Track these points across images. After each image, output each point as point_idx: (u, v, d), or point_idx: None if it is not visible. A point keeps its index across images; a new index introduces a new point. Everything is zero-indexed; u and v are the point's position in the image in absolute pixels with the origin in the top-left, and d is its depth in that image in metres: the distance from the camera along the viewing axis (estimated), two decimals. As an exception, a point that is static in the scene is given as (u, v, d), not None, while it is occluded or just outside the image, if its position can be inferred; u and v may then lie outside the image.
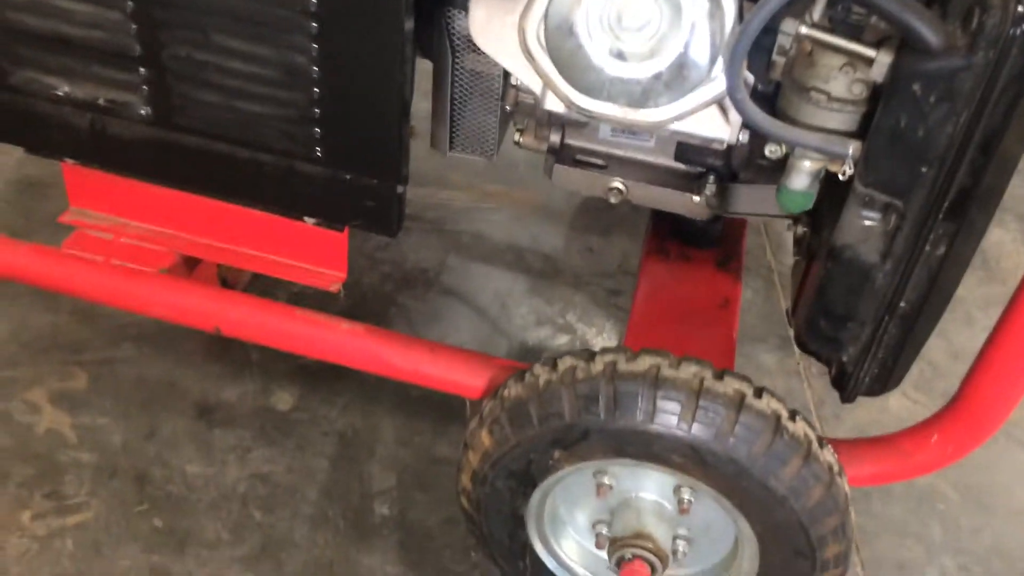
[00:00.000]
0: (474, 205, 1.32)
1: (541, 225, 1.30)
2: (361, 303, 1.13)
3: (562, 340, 1.15)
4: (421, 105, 0.75)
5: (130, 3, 0.68)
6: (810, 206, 0.71)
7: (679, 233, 0.96)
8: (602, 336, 1.16)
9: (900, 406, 1.17)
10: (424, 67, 0.75)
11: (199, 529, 0.87)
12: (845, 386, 0.72)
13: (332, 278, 0.84)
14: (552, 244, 1.27)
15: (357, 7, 0.64)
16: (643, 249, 0.96)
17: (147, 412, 0.97)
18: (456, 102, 0.79)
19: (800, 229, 0.77)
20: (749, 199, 0.79)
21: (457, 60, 0.75)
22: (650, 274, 0.93)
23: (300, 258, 0.84)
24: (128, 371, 1.00)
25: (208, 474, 0.92)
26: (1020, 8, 0.54)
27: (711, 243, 0.96)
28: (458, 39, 0.73)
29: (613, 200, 0.78)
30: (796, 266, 0.79)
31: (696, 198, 0.76)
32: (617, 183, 0.78)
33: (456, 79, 0.77)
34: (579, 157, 0.78)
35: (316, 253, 0.84)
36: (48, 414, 0.95)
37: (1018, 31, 0.53)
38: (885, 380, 0.72)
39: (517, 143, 0.80)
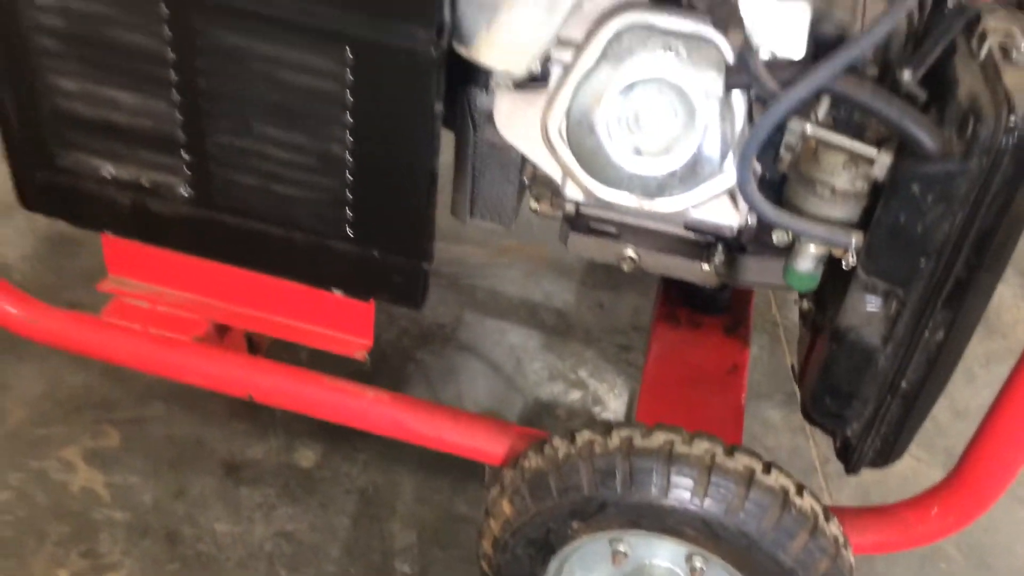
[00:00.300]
0: (489, 261, 1.35)
1: (554, 281, 1.34)
2: (381, 359, 1.16)
3: (575, 396, 1.18)
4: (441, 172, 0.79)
5: (176, 94, 0.72)
6: (815, 286, 0.75)
7: (689, 299, 1.00)
8: (613, 392, 1.19)
9: (904, 464, 1.18)
10: (447, 136, 0.79)
11: (227, 588, 0.91)
12: (849, 459, 0.75)
13: (358, 345, 0.87)
14: (564, 300, 1.31)
15: (390, 101, 0.68)
16: (654, 315, 1.00)
17: (176, 470, 1.00)
18: (476, 172, 0.83)
19: (806, 304, 0.81)
20: (757, 270, 0.82)
21: (478, 133, 0.79)
22: (661, 340, 0.96)
23: (328, 326, 0.88)
24: (157, 429, 1.03)
25: (236, 532, 0.95)
26: (1012, 119, 0.57)
27: (720, 309, 1.00)
28: (479, 115, 0.77)
29: (626, 268, 0.82)
30: (801, 339, 0.83)
31: (705, 267, 0.79)
32: (629, 251, 0.81)
33: (477, 151, 0.81)
34: (593, 225, 0.82)
35: (343, 321, 0.87)
36: (82, 472, 0.98)
37: (1009, 141, 0.57)
38: (888, 454, 0.75)
39: (534, 210, 0.84)
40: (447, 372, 1.17)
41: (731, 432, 0.86)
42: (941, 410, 1.26)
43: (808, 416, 0.77)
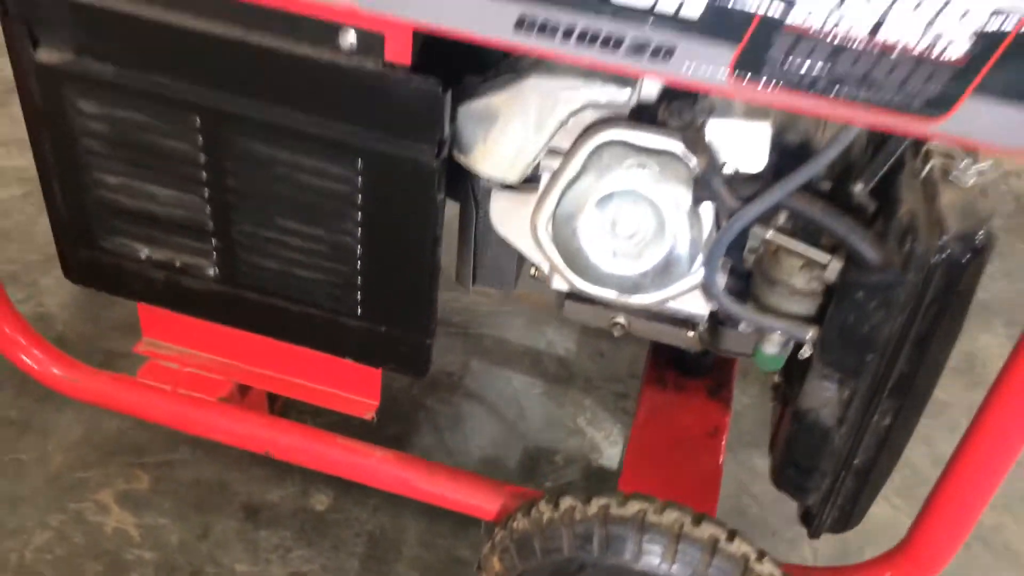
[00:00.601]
0: (496, 309, 1.43)
1: (557, 330, 1.41)
2: (391, 405, 1.24)
3: (573, 443, 1.25)
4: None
5: (207, 190, 0.80)
6: (781, 366, 0.82)
7: (676, 362, 1.07)
8: (609, 440, 1.26)
9: (883, 512, 1.25)
10: (451, 207, 0.86)
11: (245, 625, 0.99)
12: (810, 524, 0.82)
13: (366, 406, 0.95)
14: (566, 348, 1.38)
15: (396, 202, 0.76)
16: (643, 377, 1.07)
17: (201, 512, 1.08)
18: (479, 244, 0.90)
19: (777, 378, 0.88)
20: (735, 341, 0.89)
21: (480, 210, 0.86)
22: (648, 402, 1.03)
23: (339, 387, 0.96)
24: (184, 473, 1.12)
25: (254, 573, 1.03)
26: (944, 239, 0.64)
27: (704, 372, 1.06)
28: (481, 194, 0.84)
29: (616, 333, 0.88)
30: (774, 410, 0.90)
31: (690, 334, 0.86)
32: (620, 318, 0.88)
33: (479, 225, 0.89)
34: (585, 296, 0.89)
35: (353, 384, 0.95)
36: (115, 514, 1.07)
37: (940, 258, 0.64)
38: (845, 522, 0.81)
39: (533, 276, 0.91)
40: (454, 419, 1.25)
41: (708, 493, 0.93)
42: (922, 459, 1.32)
43: (775, 483, 0.84)
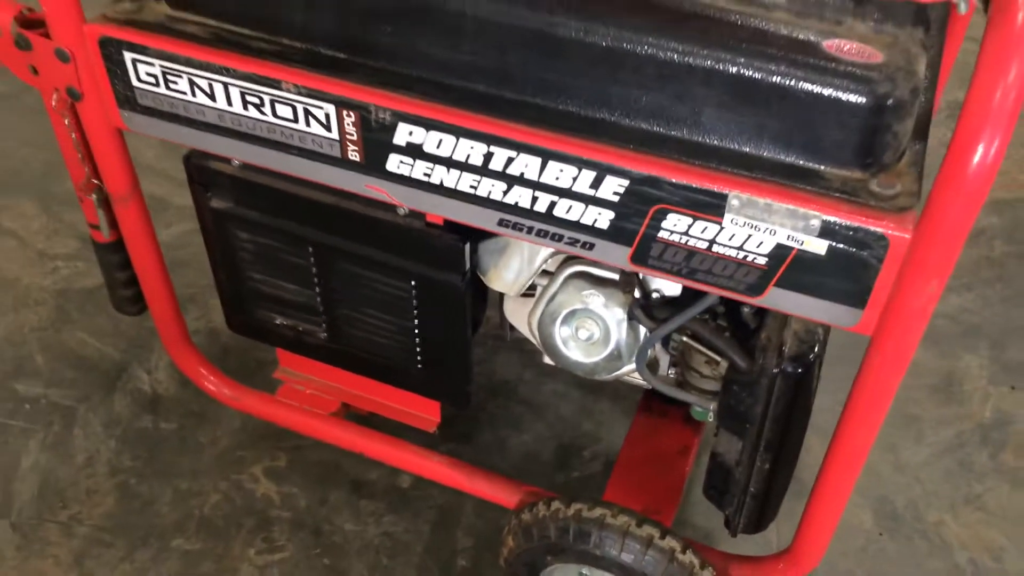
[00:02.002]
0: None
1: (597, 345, 1.74)
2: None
3: (597, 442, 1.59)
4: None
5: (317, 288, 1.18)
6: (710, 418, 1.13)
7: (660, 394, 1.39)
8: (620, 441, 1.59)
9: (848, 512, 1.53)
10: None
11: (350, 568, 1.39)
12: (730, 527, 1.14)
13: (430, 422, 1.32)
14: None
15: (438, 305, 1.11)
16: (639, 403, 1.40)
17: (321, 484, 1.49)
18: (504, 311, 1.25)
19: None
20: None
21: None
22: (637, 424, 1.36)
23: (412, 408, 1.33)
24: (310, 455, 1.53)
25: (357, 531, 1.43)
26: (785, 352, 0.94)
27: (682, 402, 1.38)
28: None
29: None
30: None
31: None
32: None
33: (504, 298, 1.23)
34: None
35: (422, 407, 1.32)
36: (263, 483, 1.49)
37: (777, 370, 0.94)
38: (754, 527, 1.12)
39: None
40: (507, 420, 1.61)
41: (668, 499, 1.26)
42: (885, 465, 1.59)
43: (705, 496, 1.16)
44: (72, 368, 1.64)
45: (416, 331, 1.15)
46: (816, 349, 0.94)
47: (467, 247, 1.04)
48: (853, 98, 0.76)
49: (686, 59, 0.80)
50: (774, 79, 0.78)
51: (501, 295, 1.19)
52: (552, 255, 1.05)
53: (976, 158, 0.68)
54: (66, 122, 1.05)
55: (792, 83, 0.78)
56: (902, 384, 1.71)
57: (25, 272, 1.81)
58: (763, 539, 1.45)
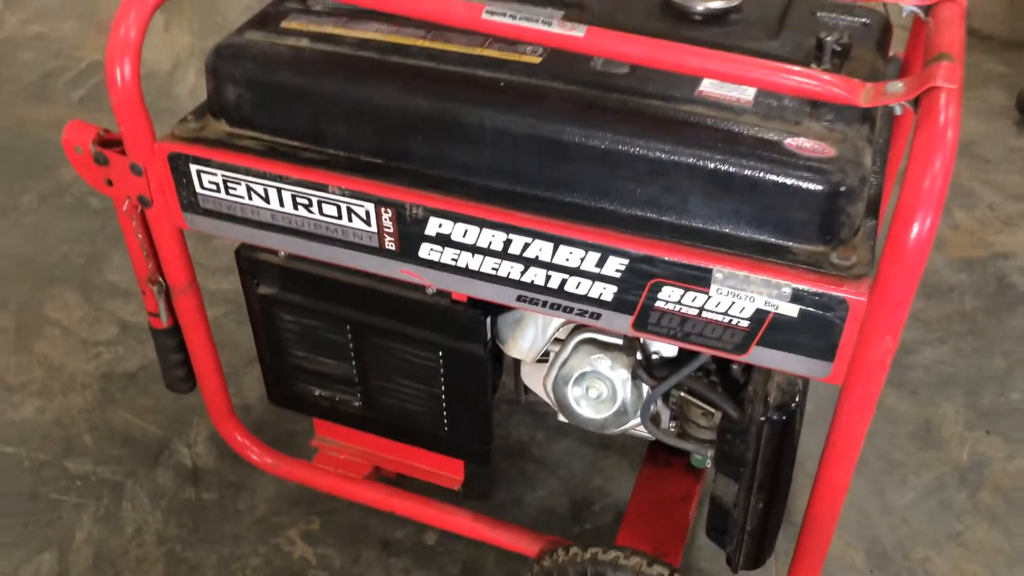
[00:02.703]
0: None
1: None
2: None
3: (607, 496, 1.70)
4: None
5: (353, 362, 1.31)
6: (708, 465, 1.25)
7: (665, 445, 1.51)
8: (628, 493, 1.70)
9: (836, 547, 1.64)
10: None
11: (383, 620, 1.49)
12: (731, 564, 1.25)
13: (455, 481, 1.44)
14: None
15: (463, 372, 1.24)
16: (644, 455, 1.52)
17: (353, 544, 1.59)
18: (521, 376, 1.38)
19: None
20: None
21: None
22: (644, 473, 1.48)
23: (438, 469, 1.45)
24: (341, 518, 1.63)
25: (388, 586, 1.53)
26: (770, 402, 1.07)
27: (684, 452, 1.50)
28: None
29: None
30: (714, 488, 1.33)
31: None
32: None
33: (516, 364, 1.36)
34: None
35: (447, 467, 1.44)
36: (299, 546, 1.59)
37: (764, 418, 1.07)
38: (753, 563, 1.23)
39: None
40: (522, 479, 1.72)
41: (674, 541, 1.37)
42: (873, 507, 1.70)
43: (707, 535, 1.28)
44: (118, 445, 1.75)
45: (442, 397, 1.28)
46: (797, 399, 1.07)
47: (488, 320, 1.17)
48: (812, 186, 0.91)
49: (672, 157, 0.95)
50: (746, 172, 0.93)
51: (515, 362, 1.33)
52: (563, 324, 1.18)
53: (913, 234, 0.83)
54: (134, 225, 1.20)
55: (761, 175, 0.93)
56: (886, 431, 1.84)
57: (70, 358, 1.93)
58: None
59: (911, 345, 1.99)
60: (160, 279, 1.27)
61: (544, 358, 1.24)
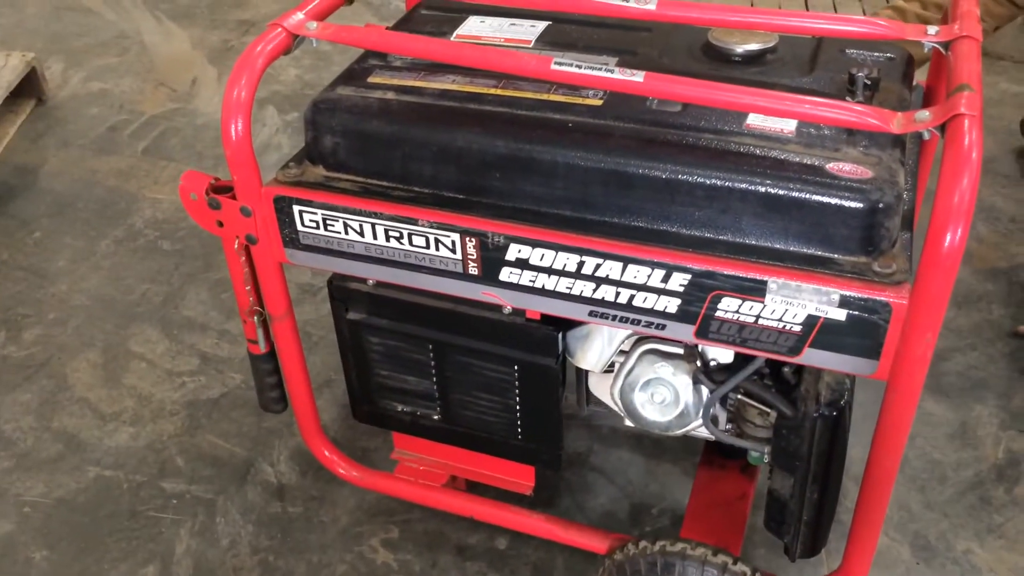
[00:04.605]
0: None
1: (653, 417, 1.96)
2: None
3: (663, 500, 1.80)
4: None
5: (434, 378, 1.43)
6: (764, 462, 1.36)
7: (720, 449, 1.62)
8: (686, 495, 1.80)
9: (882, 544, 1.72)
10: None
11: (463, 618, 1.60)
12: (788, 553, 1.35)
13: (527, 487, 1.55)
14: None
15: (537, 383, 1.36)
16: (700, 459, 1.62)
17: (430, 551, 1.70)
18: (587, 392, 1.49)
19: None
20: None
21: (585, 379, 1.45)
22: (701, 475, 1.58)
23: (511, 476, 1.56)
24: (418, 527, 1.75)
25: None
26: (820, 399, 1.17)
27: (738, 456, 1.60)
28: (584, 373, 1.44)
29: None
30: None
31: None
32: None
33: (583, 375, 1.47)
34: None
35: (519, 474, 1.55)
36: (381, 553, 1.70)
37: (817, 415, 1.17)
38: (809, 551, 1.33)
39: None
40: (583, 487, 1.82)
41: (734, 535, 1.47)
42: (916, 504, 1.78)
43: (766, 527, 1.37)
44: (208, 466, 1.88)
45: (517, 407, 1.40)
46: (846, 396, 1.17)
47: (560, 336, 1.29)
48: (853, 204, 1.02)
49: (727, 183, 1.07)
50: (793, 194, 1.05)
51: (578, 376, 1.44)
52: (628, 336, 1.30)
53: (947, 242, 0.94)
54: (241, 260, 1.33)
55: (807, 196, 1.04)
56: (924, 434, 1.93)
57: (157, 389, 2.07)
58: (815, 571, 1.64)
59: (944, 353, 2.08)
60: (260, 309, 1.40)
61: (610, 369, 1.35)
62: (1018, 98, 2.94)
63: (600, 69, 1.08)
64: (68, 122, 3.10)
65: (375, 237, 1.23)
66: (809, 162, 1.06)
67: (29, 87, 3.10)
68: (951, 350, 2.08)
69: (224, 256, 1.35)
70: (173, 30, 3.68)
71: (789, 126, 1.13)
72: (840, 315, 1.04)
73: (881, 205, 1.02)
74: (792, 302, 1.05)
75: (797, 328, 1.08)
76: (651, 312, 1.14)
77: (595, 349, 1.31)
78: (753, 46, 1.26)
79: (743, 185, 1.07)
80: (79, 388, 2.07)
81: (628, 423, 1.37)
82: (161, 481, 1.85)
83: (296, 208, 1.25)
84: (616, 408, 1.36)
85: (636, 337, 1.30)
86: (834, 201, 1.03)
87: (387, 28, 1.35)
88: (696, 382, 1.26)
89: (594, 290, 1.15)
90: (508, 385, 1.37)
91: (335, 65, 3.31)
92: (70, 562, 1.71)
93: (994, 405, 1.96)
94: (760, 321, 1.09)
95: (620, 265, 1.12)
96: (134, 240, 2.53)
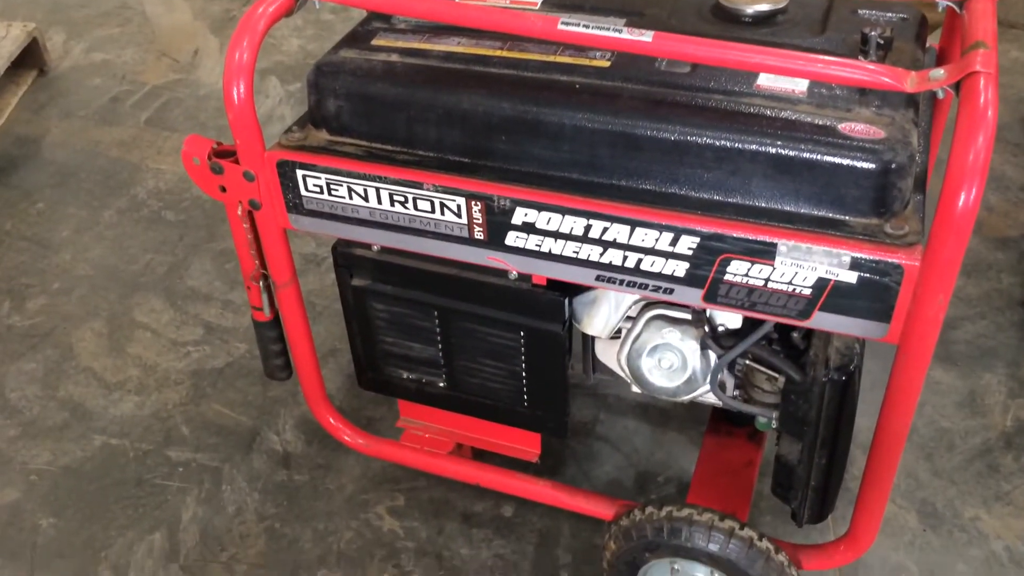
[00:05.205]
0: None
1: (659, 386, 1.96)
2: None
3: (668, 468, 1.80)
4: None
5: (440, 345, 1.42)
6: (773, 427, 1.35)
7: (727, 416, 1.61)
8: (691, 463, 1.80)
9: (889, 511, 1.72)
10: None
11: (470, 585, 1.60)
12: (796, 519, 1.35)
13: (533, 454, 1.55)
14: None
15: (543, 350, 1.35)
16: (707, 426, 1.62)
17: (436, 518, 1.71)
18: (593, 359, 1.48)
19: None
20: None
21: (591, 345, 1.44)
22: (708, 442, 1.58)
23: (516, 443, 1.56)
24: (424, 494, 1.75)
25: (472, 554, 1.64)
26: (830, 363, 1.16)
27: (745, 423, 1.60)
28: (591, 340, 1.43)
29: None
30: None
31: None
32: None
33: (593, 350, 1.46)
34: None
35: (525, 441, 1.55)
36: (387, 520, 1.71)
37: (826, 379, 1.16)
38: (816, 517, 1.32)
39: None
40: (589, 456, 1.82)
41: (741, 501, 1.47)
42: (923, 471, 1.78)
43: (773, 493, 1.37)
44: (213, 435, 1.88)
45: (523, 374, 1.39)
46: (855, 360, 1.16)
47: (566, 301, 1.28)
48: (866, 165, 1.01)
49: (736, 144, 1.06)
50: (805, 154, 1.03)
51: (584, 344, 1.43)
52: (635, 302, 1.29)
53: (960, 202, 0.92)
54: (245, 226, 1.32)
55: (819, 157, 1.03)
56: (932, 402, 1.92)
57: (162, 358, 2.07)
58: (821, 537, 1.64)
59: (953, 321, 2.07)
60: (264, 275, 1.39)
61: (617, 335, 1.34)
62: (1030, 65, 2.90)
63: (608, 29, 1.06)
64: (70, 93, 3.08)
65: (379, 201, 1.22)
66: (821, 122, 1.05)
67: (30, 58, 3.07)
68: (960, 319, 2.07)
69: (228, 226, 1.34)
70: (175, 0, 3.65)
71: (800, 86, 1.11)
72: (851, 278, 1.03)
73: (894, 166, 1.00)
74: (802, 265, 1.04)
75: (807, 291, 1.06)
76: (659, 276, 1.13)
77: (602, 315, 1.30)
78: (763, 7, 1.23)
79: (753, 146, 1.05)
80: (84, 357, 2.07)
81: (635, 390, 1.37)
82: (167, 449, 1.86)
83: (299, 172, 1.23)
84: (623, 375, 1.36)
85: (643, 302, 1.29)
86: (846, 162, 1.01)
87: (391, -11, 1.33)
88: (704, 347, 1.25)
89: (601, 254, 1.14)
90: (514, 352, 1.36)
91: (338, 35, 3.26)
92: (77, 529, 1.71)
93: (1003, 373, 1.95)
94: (769, 285, 1.07)
95: (628, 228, 1.10)
96: (137, 210, 2.52)
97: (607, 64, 1.18)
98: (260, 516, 1.72)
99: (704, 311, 1.24)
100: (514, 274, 1.27)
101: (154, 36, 3.39)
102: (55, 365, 2.06)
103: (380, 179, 1.20)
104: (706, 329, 1.24)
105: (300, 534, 1.69)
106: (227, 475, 1.80)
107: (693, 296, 1.13)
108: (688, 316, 1.26)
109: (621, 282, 1.16)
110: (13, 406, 1.96)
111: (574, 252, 1.15)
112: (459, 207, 1.18)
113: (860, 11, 1.26)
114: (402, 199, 1.20)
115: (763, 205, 1.07)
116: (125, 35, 3.41)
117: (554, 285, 1.26)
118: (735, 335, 1.25)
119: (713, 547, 1.29)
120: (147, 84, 3.11)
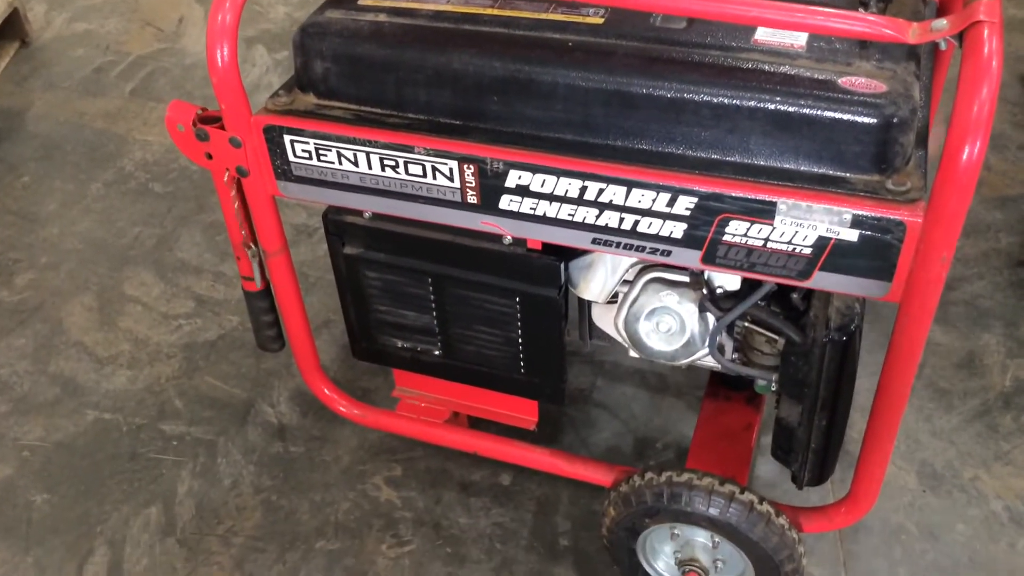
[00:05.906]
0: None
1: (656, 352, 1.95)
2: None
3: (667, 434, 1.79)
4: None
5: (434, 312, 1.40)
6: (771, 391, 1.34)
7: (725, 381, 1.60)
8: (690, 429, 1.79)
9: (889, 472, 1.71)
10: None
11: (469, 554, 1.59)
12: (796, 481, 1.34)
13: (529, 421, 1.54)
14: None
15: (539, 315, 1.33)
16: (705, 390, 1.61)
17: (434, 488, 1.70)
18: (590, 324, 1.46)
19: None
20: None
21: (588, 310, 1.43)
22: (707, 407, 1.57)
23: (513, 411, 1.55)
24: (421, 463, 1.74)
25: (470, 523, 1.63)
26: (830, 324, 1.15)
27: (744, 387, 1.59)
28: (588, 304, 1.41)
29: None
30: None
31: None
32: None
33: (589, 315, 1.45)
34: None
35: (522, 409, 1.54)
36: (384, 491, 1.70)
37: (827, 340, 1.15)
38: (817, 479, 1.32)
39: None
40: (586, 423, 1.81)
41: (740, 465, 1.46)
42: (922, 433, 1.78)
43: (773, 456, 1.36)
44: (207, 408, 1.87)
45: (519, 341, 1.37)
46: (856, 320, 1.15)
47: (562, 265, 1.26)
48: (867, 119, 0.99)
49: (734, 101, 1.03)
50: (804, 110, 1.01)
51: (580, 311, 1.41)
52: (632, 265, 1.27)
53: (964, 156, 0.90)
54: (232, 194, 1.29)
55: (818, 112, 1.00)
56: (931, 364, 1.91)
57: (153, 332, 2.05)
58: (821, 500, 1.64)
59: (951, 282, 2.05)
60: (253, 244, 1.36)
61: (613, 299, 1.33)
62: (1028, 22, 2.87)
63: (601, -17, 1.03)
64: (53, 64, 3.02)
65: (370, 166, 1.19)
66: (820, 77, 1.02)
67: (12, 29, 3.02)
68: (958, 279, 2.06)
69: (217, 197, 1.32)
70: (157, -33, 3.58)
71: (799, 40, 1.08)
72: (852, 236, 1.01)
73: (895, 120, 0.98)
74: (802, 224, 1.02)
75: (807, 251, 1.05)
76: (656, 238, 1.11)
77: (598, 279, 1.28)
78: (760, -41, 1.20)
79: (751, 103, 1.03)
80: (74, 332, 2.05)
81: (632, 355, 1.35)
82: (160, 423, 1.84)
83: (287, 138, 1.21)
84: (620, 339, 1.34)
85: (640, 265, 1.27)
86: (846, 117, 0.99)
87: (377, -53, 1.29)
88: (702, 310, 1.24)
89: (597, 216, 1.12)
90: (510, 318, 1.35)
91: (325, 0, 3.22)
92: (71, 504, 1.71)
93: (1001, 334, 1.95)
94: (769, 244, 1.06)
95: (624, 189, 1.08)
96: (125, 183, 2.49)
97: (601, 21, 1.15)
98: (256, 488, 1.71)
99: (702, 273, 1.22)
100: (508, 239, 1.25)
101: (137, 5, 3.33)
102: (45, 340, 2.04)
103: (370, 143, 1.17)
104: (704, 291, 1.23)
105: (297, 506, 1.68)
106: (222, 448, 1.79)
107: (691, 258, 1.11)
108: (686, 279, 1.24)
109: (618, 245, 1.14)
110: (3, 382, 1.95)
111: (569, 215, 1.13)
112: (451, 171, 1.15)
113: (860, -37, 1.23)
114: (393, 163, 1.18)
115: (762, 163, 1.05)
116: (108, 4, 3.34)
117: (549, 249, 1.24)
118: (734, 297, 1.23)
119: (713, 511, 1.29)
120: (131, 54, 3.06)
